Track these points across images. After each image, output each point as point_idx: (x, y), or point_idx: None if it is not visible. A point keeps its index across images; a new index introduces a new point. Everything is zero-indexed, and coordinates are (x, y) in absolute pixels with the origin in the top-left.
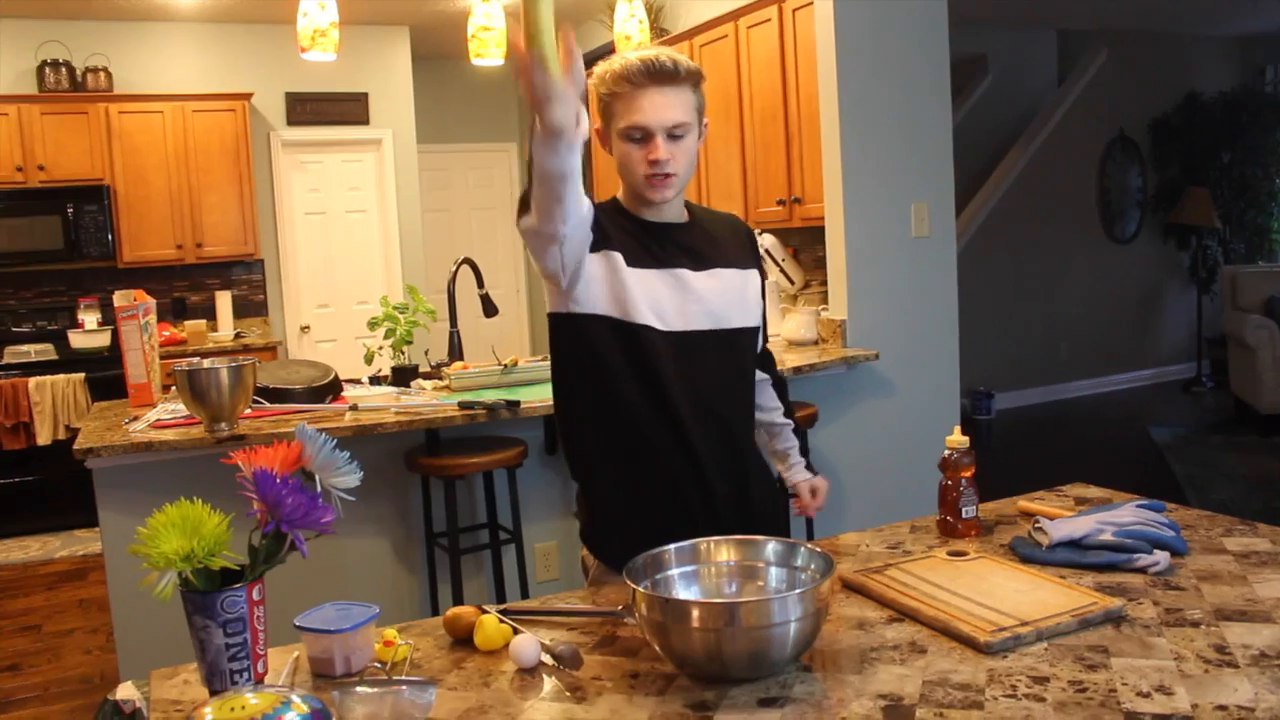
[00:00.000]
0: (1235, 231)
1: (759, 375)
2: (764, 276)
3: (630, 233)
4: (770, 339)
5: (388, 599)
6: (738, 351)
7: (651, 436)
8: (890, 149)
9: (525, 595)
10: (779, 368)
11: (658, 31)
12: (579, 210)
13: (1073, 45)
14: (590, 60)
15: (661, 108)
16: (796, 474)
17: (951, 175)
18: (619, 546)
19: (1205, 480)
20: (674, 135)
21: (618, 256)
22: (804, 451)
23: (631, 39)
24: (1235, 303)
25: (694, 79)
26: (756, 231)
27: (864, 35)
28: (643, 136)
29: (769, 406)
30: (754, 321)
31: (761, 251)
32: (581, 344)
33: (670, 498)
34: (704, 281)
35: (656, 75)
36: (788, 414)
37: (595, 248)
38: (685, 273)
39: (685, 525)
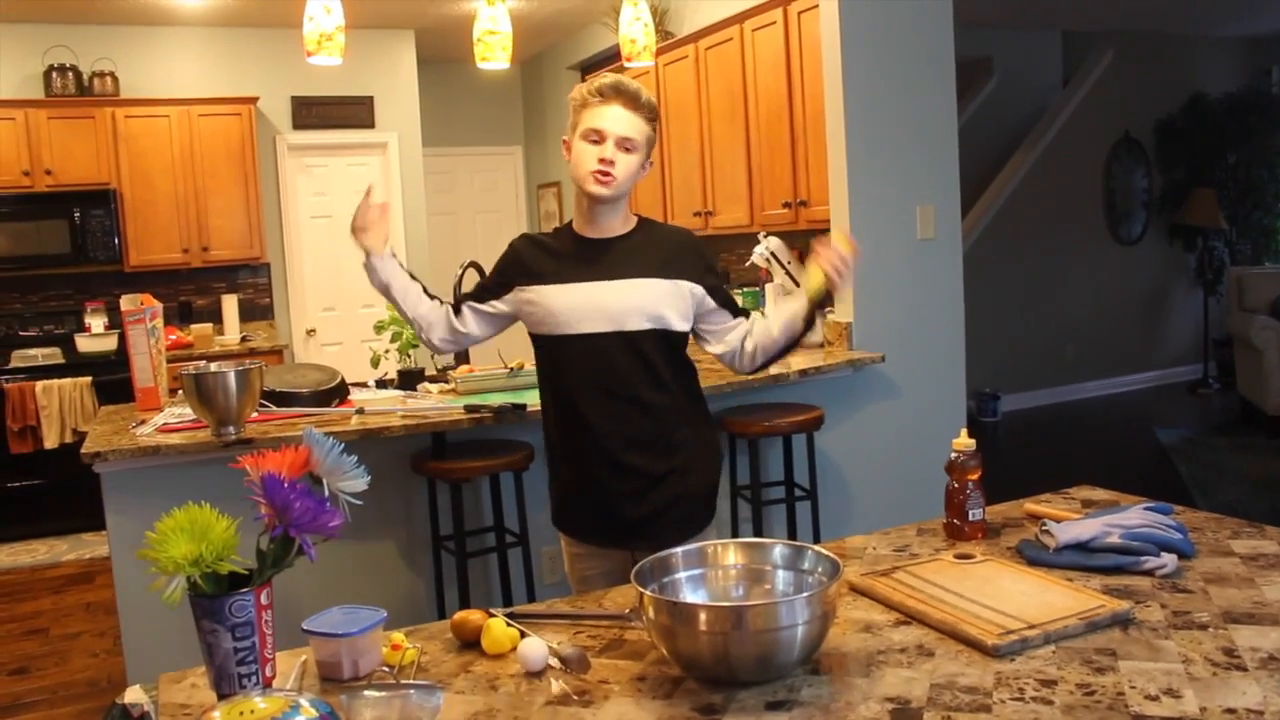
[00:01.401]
0: (1241, 233)
1: (742, 325)
2: (714, 280)
3: (567, 253)
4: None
5: (394, 603)
6: (642, 350)
7: (571, 422)
8: (895, 151)
9: (532, 599)
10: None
11: (663, 35)
12: (430, 319)
13: (1078, 47)
14: (594, 64)
15: (619, 120)
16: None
17: (957, 177)
18: (567, 516)
19: (1212, 482)
20: (624, 147)
21: (539, 288)
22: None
23: (637, 42)
24: (1241, 304)
25: (651, 111)
26: (762, 234)
27: (869, 37)
28: (598, 139)
29: (754, 331)
30: (658, 325)
31: (766, 255)
32: (539, 355)
33: (590, 471)
34: (614, 291)
35: (622, 95)
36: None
37: (522, 283)
38: (601, 284)
39: (601, 493)
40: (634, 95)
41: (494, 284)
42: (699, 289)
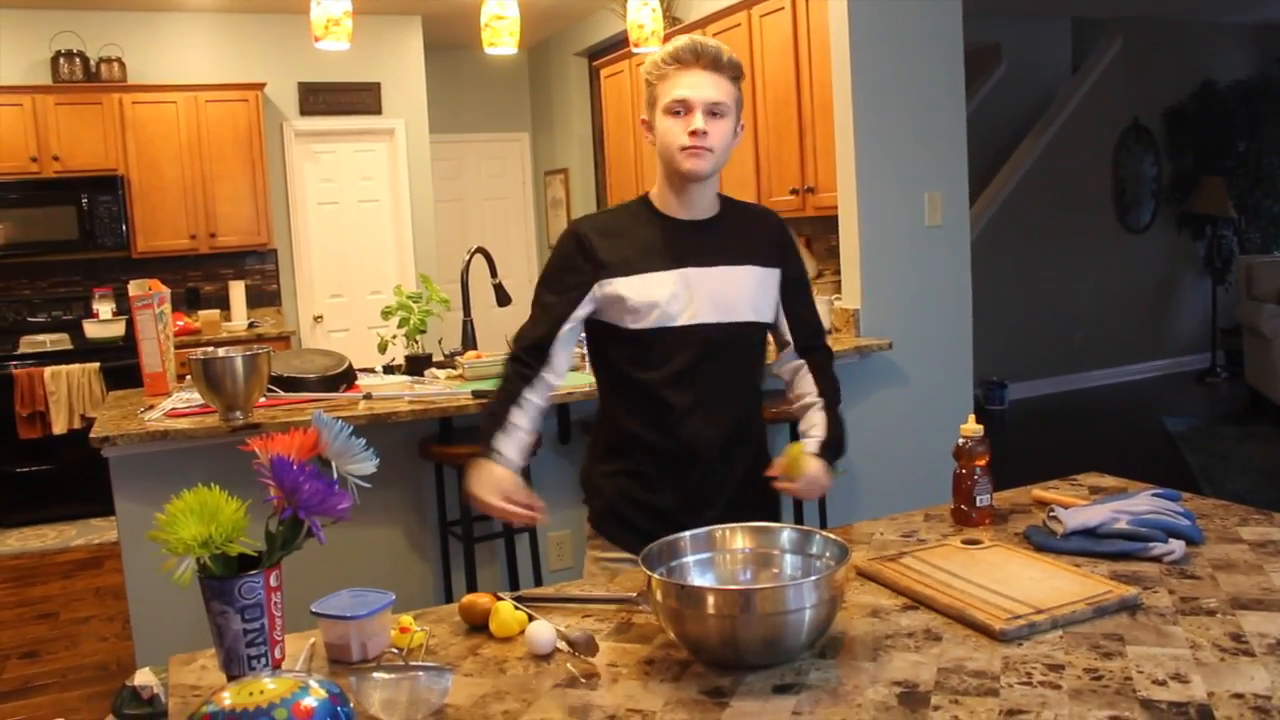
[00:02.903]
0: (1251, 221)
1: (794, 362)
2: (794, 272)
3: (653, 237)
4: (825, 332)
5: (401, 587)
6: (744, 343)
7: (654, 421)
8: (904, 138)
9: (538, 584)
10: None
11: (670, 20)
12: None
13: (1087, 33)
14: (601, 50)
15: (704, 85)
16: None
17: (965, 164)
18: (622, 529)
19: (1219, 471)
20: (713, 113)
21: (626, 279)
22: (832, 441)
23: (644, 28)
24: (1250, 292)
25: (735, 70)
26: None
27: (877, 24)
28: (684, 110)
29: (802, 391)
30: (759, 316)
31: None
32: (614, 350)
33: (660, 479)
34: (710, 279)
35: (702, 57)
36: (821, 395)
37: (602, 276)
38: (690, 271)
39: (675, 504)
40: (715, 55)
41: (569, 290)
42: (780, 276)
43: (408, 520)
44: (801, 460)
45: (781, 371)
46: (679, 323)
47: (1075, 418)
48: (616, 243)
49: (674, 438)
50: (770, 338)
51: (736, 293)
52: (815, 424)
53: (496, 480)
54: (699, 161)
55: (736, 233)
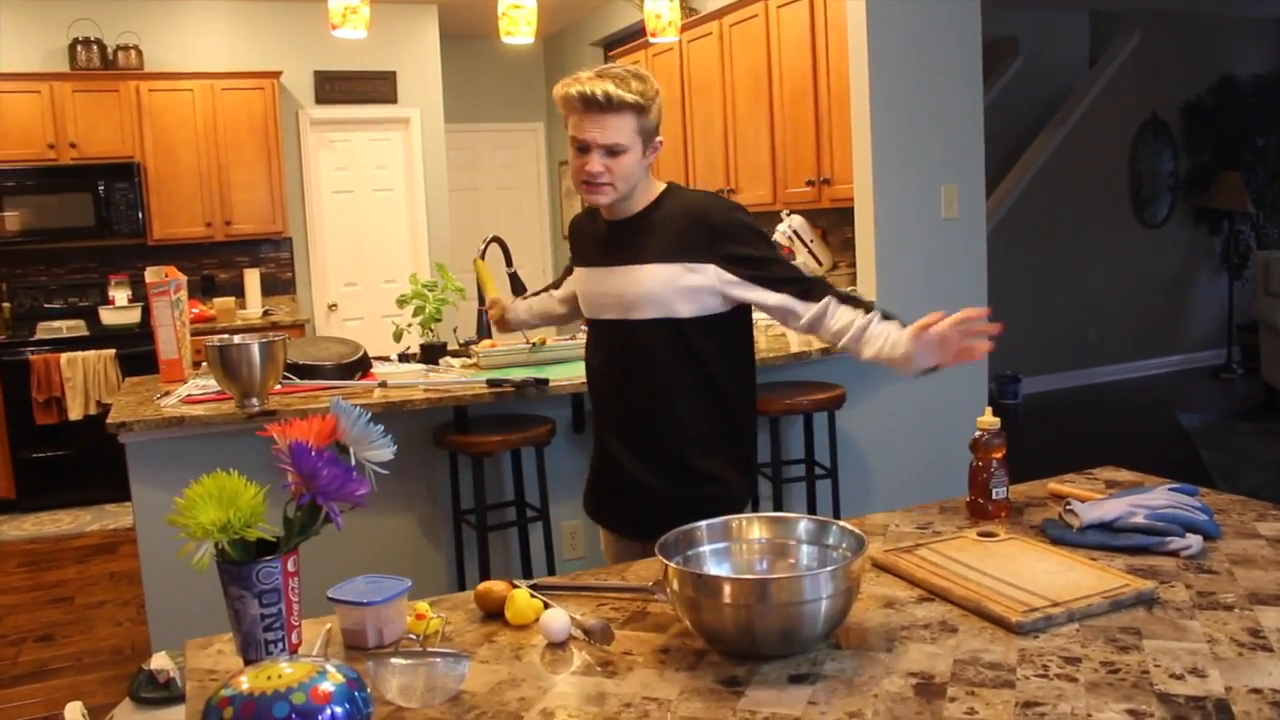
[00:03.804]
0: (1269, 216)
1: (811, 313)
2: (739, 254)
3: (593, 236)
4: (817, 277)
5: (415, 574)
6: (642, 340)
7: (594, 409)
8: (920, 130)
9: (552, 573)
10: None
11: (687, 11)
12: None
13: (1105, 26)
14: (617, 40)
15: (598, 128)
16: (903, 336)
17: (982, 157)
18: (589, 502)
19: (1234, 467)
20: (611, 152)
21: (577, 271)
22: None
23: (661, 18)
24: (1267, 288)
25: (636, 103)
26: (784, 212)
27: (895, 16)
28: (582, 148)
29: (840, 327)
30: (666, 314)
31: (788, 233)
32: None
33: (601, 469)
34: (616, 277)
35: (591, 105)
36: (864, 312)
37: (573, 264)
38: (603, 270)
39: (612, 494)
40: (609, 99)
41: (567, 271)
42: (715, 269)
43: (422, 508)
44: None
45: (811, 332)
46: (599, 317)
47: (1089, 413)
48: (579, 239)
49: (596, 432)
50: (772, 319)
51: (634, 291)
52: (882, 334)
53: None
54: (598, 196)
55: (656, 230)
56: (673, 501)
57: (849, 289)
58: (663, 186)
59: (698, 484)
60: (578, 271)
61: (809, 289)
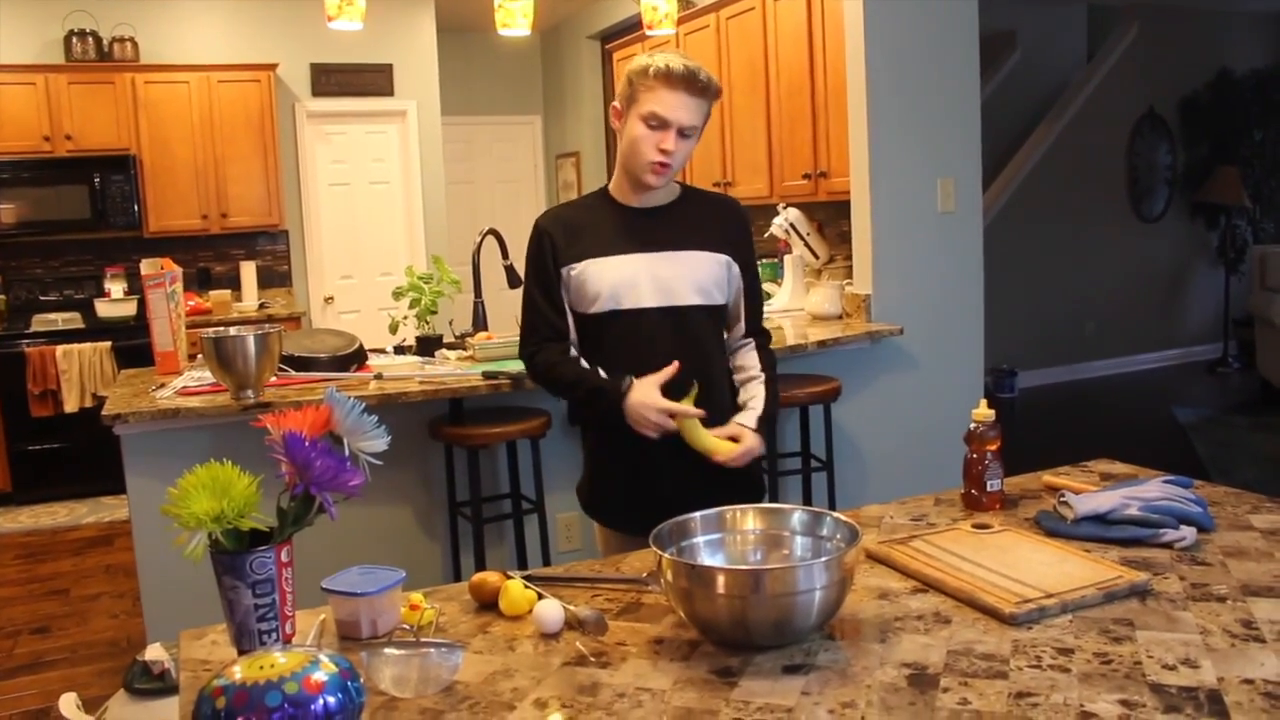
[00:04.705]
0: (1266, 211)
1: (742, 340)
2: (746, 260)
3: (608, 224)
4: (788, 312)
5: (410, 566)
6: (690, 326)
7: None
8: (917, 124)
9: (547, 565)
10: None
11: (684, 4)
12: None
13: (1102, 20)
14: (614, 33)
15: (683, 109)
16: (739, 417)
17: (979, 151)
18: (610, 506)
19: (1230, 461)
20: (684, 134)
21: (586, 263)
22: (769, 414)
23: (658, 10)
24: (1264, 283)
25: (715, 95)
26: (781, 205)
27: (893, 9)
28: (659, 126)
29: (746, 364)
30: (706, 300)
31: (785, 226)
32: (580, 331)
33: (636, 459)
34: (658, 263)
35: (691, 84)
36: (763, 369)
37: (565, 263)
38: (640, 256)
39: (652, 486)
40: (704, 83)
41: (551, 281)
42: (733, 262)
43: (417, 500)
44: (698, 436)
45: (730, 349)
46: (624, 306)
47: (1085, 407)
48: (576, 232)
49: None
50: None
51: (682, 276)
52: (755, 395)
53: (653, 397)
54: (662, 178)
55: (691, 219)
56: (723, 487)
57: (845, 282)
58: (677, 183)
59: (748, 468)
60: (590, 263)
61: (759, 312)
